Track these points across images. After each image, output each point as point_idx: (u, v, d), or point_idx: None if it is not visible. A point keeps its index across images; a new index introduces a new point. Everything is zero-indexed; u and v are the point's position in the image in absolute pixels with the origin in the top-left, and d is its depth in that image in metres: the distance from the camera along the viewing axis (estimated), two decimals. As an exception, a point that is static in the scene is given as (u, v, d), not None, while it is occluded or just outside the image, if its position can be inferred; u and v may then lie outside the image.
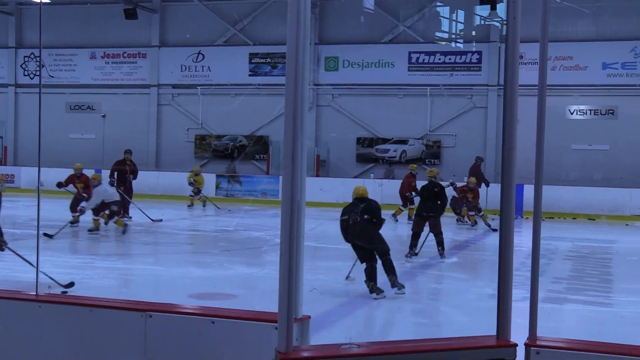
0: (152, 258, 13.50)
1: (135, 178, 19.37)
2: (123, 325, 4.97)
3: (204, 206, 23.18)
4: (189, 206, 23.11)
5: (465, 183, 19.70)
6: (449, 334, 7.82)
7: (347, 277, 10.70)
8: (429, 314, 9.10)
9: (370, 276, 9.82)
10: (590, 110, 24.64)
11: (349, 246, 10.48)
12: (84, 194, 16.50)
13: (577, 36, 24.58)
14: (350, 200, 10.45)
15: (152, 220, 18.53)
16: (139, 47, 29.44)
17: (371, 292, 9.72)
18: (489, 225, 18.61)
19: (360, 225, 10.10)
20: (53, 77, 30.30)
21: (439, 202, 13.54)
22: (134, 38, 29.49)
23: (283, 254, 3.97)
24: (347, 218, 10.16)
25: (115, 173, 18.87)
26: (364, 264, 10.00)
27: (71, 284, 9.54)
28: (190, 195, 23.30)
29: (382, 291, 9.70)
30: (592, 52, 24.41)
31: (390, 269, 9.92)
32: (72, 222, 15.72)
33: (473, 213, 19.28)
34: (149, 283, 11.11)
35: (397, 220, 19.72)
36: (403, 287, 9.89)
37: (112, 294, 9.31)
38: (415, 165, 21.42)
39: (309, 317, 4.52)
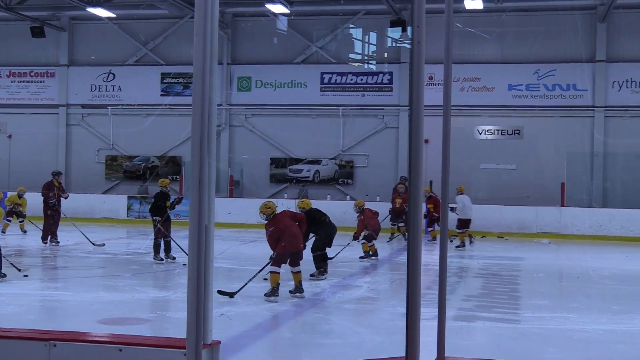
0: (60, 282, 13.11)
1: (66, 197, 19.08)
2: (25, 356, 4.78)
3: (24, 232, 20.74)
4: (3, 232, 20.38)
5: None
6: (362, 355, 7.82)
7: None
8: (342, 334, 9.08)
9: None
10: (498, 130, 25.29)
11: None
12: None
13: (483, 58, 25.23)
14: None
15: (95, 245, 18.11)
16: (47, 66, 28.74)
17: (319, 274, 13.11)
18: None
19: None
20: (-45, 96, 29.33)
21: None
22: (42, 57, 28.78)
23: (191, 279, 3.90)
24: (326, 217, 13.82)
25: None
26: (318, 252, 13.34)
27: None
28: (8, 220, 20.30)
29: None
30: (498, 74, 25.09)
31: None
32: None
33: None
34: (57, 309, 10.78)
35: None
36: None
37: (17, 322, 8.98)
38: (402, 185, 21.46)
39: (219, 342, 4.45)
